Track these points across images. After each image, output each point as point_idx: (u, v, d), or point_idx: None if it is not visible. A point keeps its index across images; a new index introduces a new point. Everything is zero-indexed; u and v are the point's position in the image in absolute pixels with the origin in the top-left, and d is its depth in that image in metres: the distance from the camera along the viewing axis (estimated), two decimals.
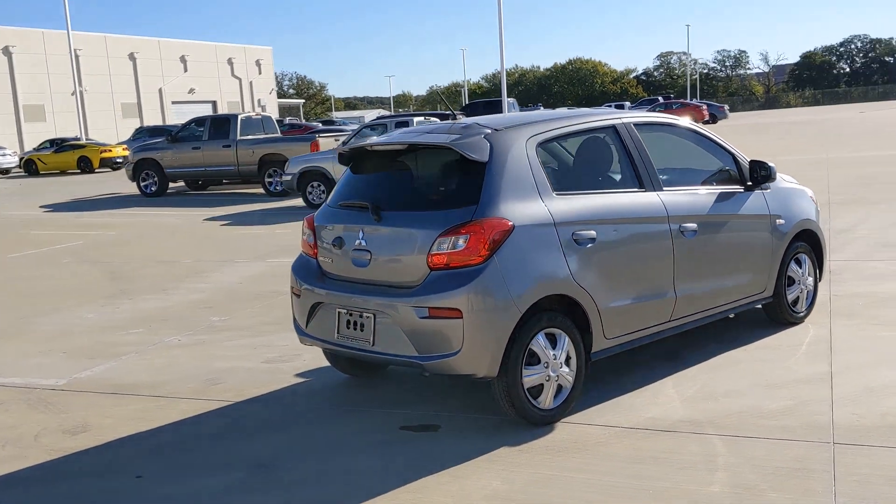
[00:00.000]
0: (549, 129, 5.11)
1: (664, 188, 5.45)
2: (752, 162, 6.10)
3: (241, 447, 4.88)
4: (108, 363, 6.76)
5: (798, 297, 6.48)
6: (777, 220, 6.14)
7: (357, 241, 5.00)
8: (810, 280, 6.58)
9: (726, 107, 58.68)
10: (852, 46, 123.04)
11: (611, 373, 5.59)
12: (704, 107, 51.93)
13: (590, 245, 4.89)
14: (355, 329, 4.96)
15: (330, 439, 4.90)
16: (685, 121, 6.10)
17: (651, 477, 4.07)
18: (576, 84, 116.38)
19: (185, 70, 62.17)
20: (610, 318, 5.00)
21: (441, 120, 18.81)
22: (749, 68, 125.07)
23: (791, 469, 4.04)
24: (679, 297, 5.41)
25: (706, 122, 50.02)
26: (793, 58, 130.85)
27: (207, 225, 16.02)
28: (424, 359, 4.60)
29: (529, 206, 4.75)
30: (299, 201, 18.44)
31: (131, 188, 23.66)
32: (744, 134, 37.90)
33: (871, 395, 4.92)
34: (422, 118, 18.65)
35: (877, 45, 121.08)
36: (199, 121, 23.00)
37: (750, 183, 6.06)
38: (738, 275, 5.87)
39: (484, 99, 42.54)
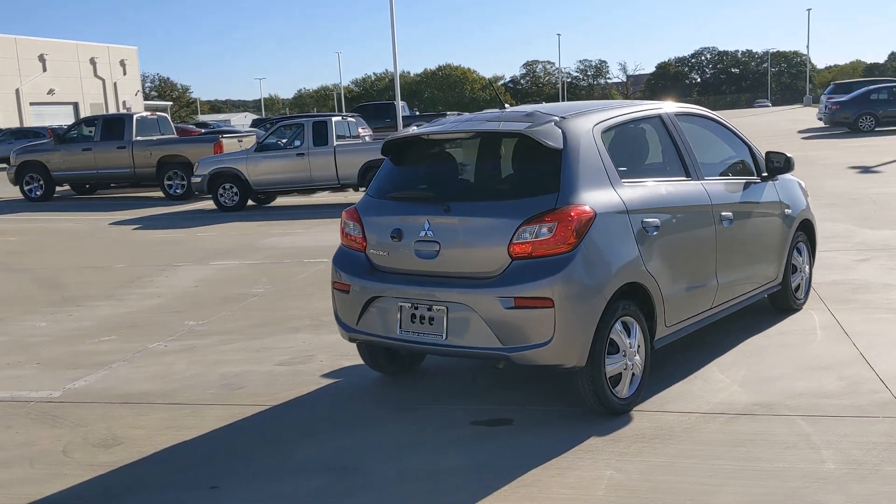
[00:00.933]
0: (610, 118, 5.10)
1: (704, 177, 5.55)
2: (767, 153, 6.30)
3: (309, 451, 4.61)
4: (97, 373, 6.25)
5: (799, 285, 6.74)
6: (786, 210, 6.37)
7: (422, 233, 4.82)
8: (807, 268, 6.86)
9: None
10: (702, 58, 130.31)
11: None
12: None
13: (655, 233, 4.91)
14: (423, 323, 4.77)
15: (399, 440, 4.69)
16: (712, 113, 6.24)
17: (760, 458, 4.12)
18: (446, 90, 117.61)
19: (45, 70, 58.59)
20: (670, 305, 5.04)
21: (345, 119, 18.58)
22: (609, 77, 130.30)
23: (888, 443, 4.18)
24: (720, 285, 5.52)
25: None
26: (649, 68, 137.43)
27: (117, 230, 15.15)
28: (511, 350, 4.49)
29: (605, 193, 4.72)
30: (204, 204, 17.78)
31: (11, 192, 22.07)
32: None
33: None
34: (339, 118, 18.32)
35: (724, 57, 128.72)
36: (88, 120, 21.73)
37: (766, 174, 6.26)
38: (761, 263, 6.05)
39: (372, 102, 42.24)
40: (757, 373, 5.37)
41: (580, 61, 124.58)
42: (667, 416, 4.74)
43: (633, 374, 4.83)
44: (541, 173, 4.72)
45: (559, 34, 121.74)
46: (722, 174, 5.98)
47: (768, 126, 41.36)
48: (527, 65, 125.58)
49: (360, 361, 6.02)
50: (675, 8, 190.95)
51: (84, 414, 5.38)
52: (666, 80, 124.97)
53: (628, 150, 5.26)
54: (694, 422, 4.63)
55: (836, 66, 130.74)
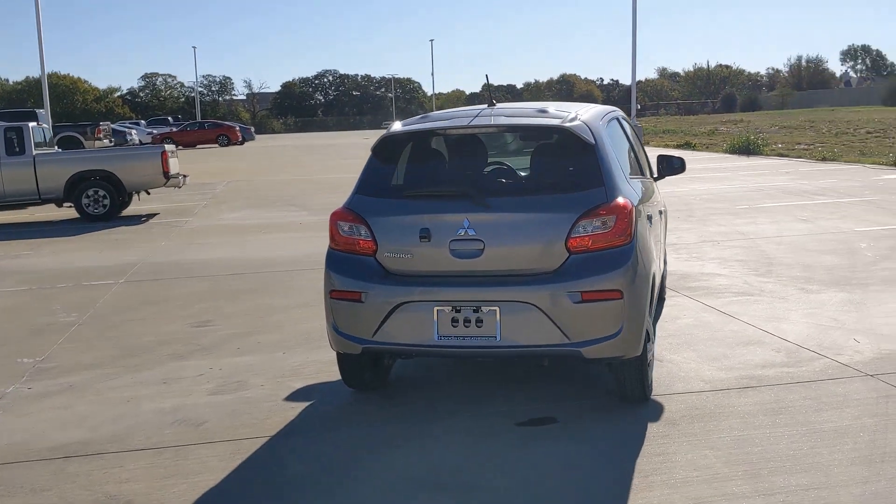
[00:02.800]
0: (603, 117, 5.29)
1: (643, 175, 5.97)
2: (659, 156, 6.92)
3: (382, 471, 4.16)
4: None
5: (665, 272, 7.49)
6: (664, 206, 7.05)
7: (460, 231, 4.59)
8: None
9: (252, 129, 60.05)
10: (325, 80, 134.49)
11: None
12: (238, 128, 52.47)
13: (649, 224, 5.21)
14: (468, 326, 4.55)
15: (466, 451, 4.41)
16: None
17: (810, 421, 4.57)
18: (53, 100, 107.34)
19: None
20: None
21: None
22: (235, 94, 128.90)
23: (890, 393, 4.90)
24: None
25: (240, 142, 50.62)
26: (275, 86, 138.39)
27: None
28: (579, 345, 4.46)
29: (627, 187, 4.90)
30: None
31: None
32: (302, 152, 39.40)
33: (853, 334, 6.03)
34: (35, 123, 16.05)
35: (346, 80, 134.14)
36: None
37: (656, 175, 6.86)
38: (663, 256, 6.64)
39: (9, 110, 37.14)
40: (704, 353, 5.88)
41: (204, 76, 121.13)
42: (684, 397, 5.03)
43: (651, 361, 5.06)
44: (577, 167, 4.76)
45: (195, 47, 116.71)
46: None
47: None
48: (146, 77, 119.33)
49: (307, 381, 5.59)
50: (299, 28, 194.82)
51: (30, 478, 4.27)
52: (291, 99, 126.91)
53: (616, 147, 5.49)
54: (714, 399, 4.97)
55: (441, 93, 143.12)
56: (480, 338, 4.54)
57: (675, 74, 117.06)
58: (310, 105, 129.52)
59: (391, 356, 5.08)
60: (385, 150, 5.03)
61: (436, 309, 4.59)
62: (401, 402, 5.17)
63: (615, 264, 4.49)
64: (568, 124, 4.76)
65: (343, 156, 37.10)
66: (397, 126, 5.15)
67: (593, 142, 4.76)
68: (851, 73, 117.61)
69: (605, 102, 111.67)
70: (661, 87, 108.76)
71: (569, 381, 5.42)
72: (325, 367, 5.88)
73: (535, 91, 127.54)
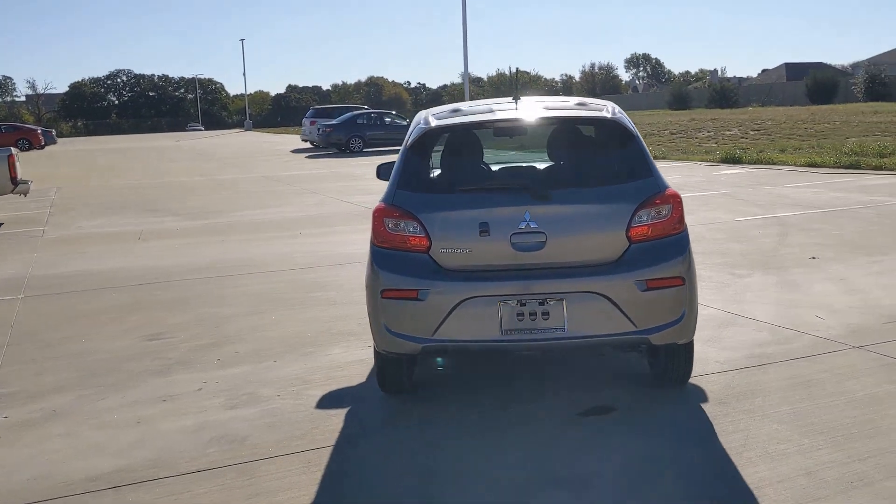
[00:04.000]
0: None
1: None
2: None
3: (487, 470, 4.05)
4: None
5: None
6: None
7: (522, 225, 4.54)
8: None
9: (54, 132, 55.61)
10: (119, 80, 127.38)
11: None
12: (39, 131, 48.36)
13: None
14: (534, 319, 4.52)
15: (550, 442, 4.37)
16: None
17: (844, 391, 4.90)
18: None
19: None
20: None
21: None
22: (17, 95, 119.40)
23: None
24: None
25: (42, 147, 46.76)
26: (62, 87, 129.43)
27: None
28: (647, 332, 4.54)
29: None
30: None
31: None
32: (119, 156, 36.98)
33: (812, 311, 6.49)
34: None
35: (141, 81, 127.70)
36: None
37: None
38: None
39: None
40: (696, 336, 6.13)
41: None
42: (712, 378, 5.22)
43: None
44: (624, 158, 4.83)
45: None
46: None
47: (253, 147, 43.08)
48: None
49: (324, 388, 5.36)
50: (89, 26, 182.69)
51: None
52: (81, 100, 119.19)
53: None
54: (742, 378, 5.21)
55: (242, 95, 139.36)
56: (548, 330, 4.52)
57: (479, 79, 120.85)
58: (102, 107, 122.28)
59: (446, 355, 4.92)
60: (426, 145, 4.89)
61: (500, 303, 4.52)
62: (445, 402, 5.04)
63: (676, 252, 4.62)
64: (614, 116, 4.84)
65: (168, 158, 35.37)
66: (434, 120, 5.01)
67: (636, 134, 4.87)
68: (637, 80, 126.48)
69: (411, 106, 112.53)
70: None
71: (595, 371, 5.50)
72: (331, 373, 5.64)
73: (343, 92, 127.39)
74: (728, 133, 30.85)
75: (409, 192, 4.78)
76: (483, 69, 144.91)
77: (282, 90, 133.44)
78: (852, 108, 44.25)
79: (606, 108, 4.97)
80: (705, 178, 17.98)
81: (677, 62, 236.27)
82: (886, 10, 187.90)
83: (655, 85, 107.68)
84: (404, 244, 4.68)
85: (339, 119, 33.29)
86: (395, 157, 5.25)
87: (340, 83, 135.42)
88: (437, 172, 5.03)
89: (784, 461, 4.03)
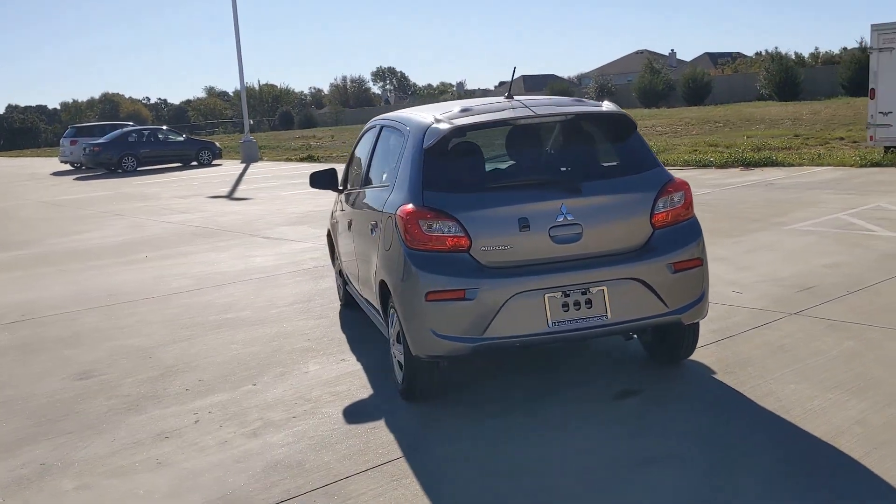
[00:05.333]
0: None
1: None
2: None
3: (576, 456, 4.10)
4: None
5: None
6: None
7: (560, 218, 4.65)
8: None
9: None
10: None
11: None
12: None
13: None
14: (578, 309, 4.64)
15: (620, 425, 4.51)
16: None
17: (823, 349, 5.46)
18: None
19: None
20: None
21: None
22: None
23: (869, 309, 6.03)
24: None
25: None
26: None
27: None
28: (679, 311, 4.81)
29: None
30: None
31: None
32: None
33: (728, 288, 7.06)
34: None
35: None
36: None
37: None
38: None
39: None
40: None
41: None
42: (703, 350, 5.61)
43: None
44: (630, 150, 5.07)
45: None
46: None
47: (11, 173, 38.86)
48: None
49: (339, 404, 5.19)
50: None
51: None
52: None
53: None
54: (730, 347, 5.62)
55: None
56: (592, 318, 4.66)
57: (225, 93, 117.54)
58: None
59: (495, 353, 4.87)
60: (446, 146, 4.84)
61: (546, 296, 4.59)
62: (475, 402, 5.01)
63: (693, 235, 4.93)
64: (622, 111, 5.08)
65: None
66: (449, 120, 4.95)
67: (636, 127, 5.14)
68: (386, 93, 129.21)
69: (154, 122, 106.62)
70: (215, 106, 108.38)
71: (591, 359, 5.70)
72: (329, 389, 5.43)
73: (74, 110, 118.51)
74: None
75: (438, 193, 4.72)
76: (230, 84, 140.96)
77: (1, 111, 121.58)
78: None
79: (607, 105, 5.19)
80: None
81: (421, 75, 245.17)
82: (610, 24, 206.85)
83: (406, 97, 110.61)
84: (442, 245, 4.62)
85: (108, 137, 31.01)
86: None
87: (71, 101, 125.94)
88: (459, 171, 4.99)
89: (830, 414, 4.45)
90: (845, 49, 67.84)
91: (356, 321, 7.02)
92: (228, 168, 29.81)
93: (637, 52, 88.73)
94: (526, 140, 5.24)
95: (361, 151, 6.53)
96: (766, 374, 5.11)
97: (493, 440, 4.46)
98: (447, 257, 4.61)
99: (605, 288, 4.66)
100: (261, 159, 32.62)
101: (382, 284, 5.14)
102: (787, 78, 49.74)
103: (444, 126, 4.88)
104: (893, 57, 15.56)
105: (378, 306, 5.43)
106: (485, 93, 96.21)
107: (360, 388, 5.40)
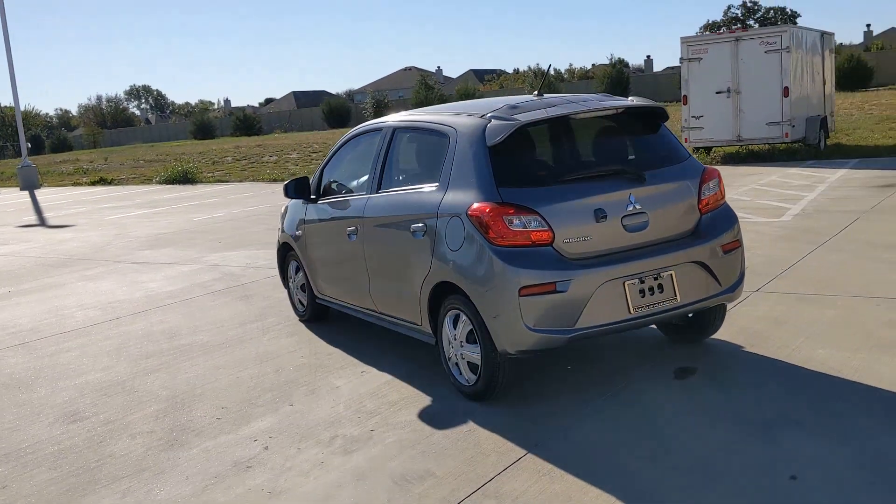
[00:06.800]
0: None
1: None
2: None
3: (700, 433, 4.29)
4: None
5: None
6: None
7: (629, 207, 4.83)
8: None
9: None
10: None
11: None
12: None
13: None
14: (653, 294, 4.84)
15: (701, 396, 4.74)
16: None
17: (815, 319, 6.03)
18: None
19: None
20: None
21: None
22: None
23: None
24: None
25: None
26: None
27: None
28: (730, 290, 5.14)
29: None
30: None
31: None
32: None
33: None
34: None
35: None
36: None
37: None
38: None
39: None
40: None
41: None
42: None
43: None
44: (667, 141, 5.33)
45: None
46: None
47: None
48: None
49: (407, 413, 5.06)
50: None
51: None
52: None
53: None
54: (736, 321, 6.04)
55: None
56: (665, 302, 4.87)
57: None
58: None
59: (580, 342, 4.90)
60: (512, 142, 4.85)
61: (626, 283, 4.75)
62: (550, 392, 5.05)
63: (732, 219, 5.29)
64: (660, 105, 5.35)
65: None
66: (509, 118, 4.94)
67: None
68: (144, 112, 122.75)
69: None
70: None
71: (622, 346, 5.91)
72: (382, 399, 5.26)
73: None
74: (290, 157, 32.07)
75: (512, 189, 4.73)
76: None
77: None
78: None
79: (638, 99, 5.42)
80: None
81: (179, 93, 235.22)
82: (378, 41, 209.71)
83: (166, 117, 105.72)
84: (526, 239, 4.64)
85: None
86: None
87: None
88: (529, 166, 5.02)
89: (876, 369, 4.96)
90: (594, 64, 73.93)
91: (335, 334, 6.78)
92: (8, 196, 27.07)
93: (405, 69, 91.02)
94: (581, 134, 5.34)
95: (356, 157, 6.33)
96: (788, 345, 5.56)
97: (606, 425, 4.52)
98: (533, 251, 4.63)
99: (673, 272, 4.89)
100: (41, 185, 29.90)
101: (438, 287, 5.05)
102: (550, 91, 53.43)
103: (507, 123, 4.88)
104: (702, 66, 17.24)
105: (420, 312, 5.30)
106: (255, 109, 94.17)
107: (409, 396, 5.25)
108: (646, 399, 4.86)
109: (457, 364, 5.12)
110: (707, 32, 65.27)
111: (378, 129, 6.08)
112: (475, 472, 4.09)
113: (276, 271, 7.79)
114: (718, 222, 5.20)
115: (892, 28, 77.50)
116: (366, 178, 6.03)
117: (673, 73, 50.35)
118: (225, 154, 37.15)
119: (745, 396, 4.78)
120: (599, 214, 4.74)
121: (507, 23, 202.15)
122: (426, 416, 4.90)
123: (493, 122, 4.95)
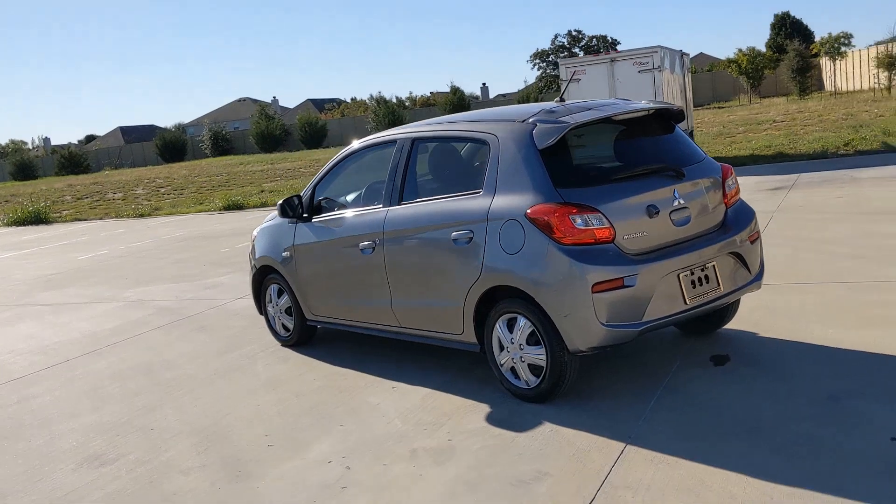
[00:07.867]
0: None
1: None
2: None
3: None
4: None
5: None
6: None
7: (675, 202, 5.02)
8: None
9: None
10: None
11: None
12: None
13: None
14: (702, 285, 5.05)
15: (746, 381, 4.95)
16: None
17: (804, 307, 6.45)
18: None
19: None
20: None
21: None
22: None
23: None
24: None
25: None
26: None
27: None
28: (757, 278, 5.43)
29: None
30: None
31: None
32: None
33: None
34: None
35: None
36: None
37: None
38: None
39: None
40: None
41: None
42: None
43: None
44: (682, 141, 5.57)
45: None
46: None
47: None
48: None
49: (479, 416, 5.02)
50: None
51: None
52: None
53: None
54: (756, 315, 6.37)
55: None
56: (712, 292, 5.08)
57: None
58: None
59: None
60: (563, 144, 4.94)
61: (680, 275, 4.92)
62: (611, 383, 5.11)
63: (751, 212, 5.58)
64: (679, 106, 5.58)
65: None
66: (556, 121, 5.00)
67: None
68: None
69: None
70: None
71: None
72: (429, 412, 5.14)
73: None
74: (137, 192, 30.83)
75: (571, 189, 4.80)
76: None
77: None
78: (217, 162, 47.94)
79: (657, 102, 5.64)
80: (251, 223, 18.21)
81: None
82: (207, 74, 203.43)
83: None
84: (591, 237, 4.72)
85: None
86: None
87: None
88: (581, 167, 5.10)
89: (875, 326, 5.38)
90: (433, 92, 75.41)
91: (332, 355, 6.60)
92: None
93: (239, 100, 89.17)
94: (620, 134, 5.46)
95: (362, 172, 6.19)
96: (797, 328, 5.91)
97: (678, 413, 4.64)
98: (597, 249, 4.71)
99: (715, 263, 5.11)
100: None
101: (490, 291, 5.04)
102: (394, 118, 54.44)
103: (557, 125, 4.95)
104: (581, 87, 18.01)
105: (462, 321, 5.24)
106: (78, 146, 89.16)
107: (461, 405, 5.17)
108: (698, 386, 5.02)
109: (512, 368, 5.09)
110: (537, 60, 68.46)
111: (391, 142, 5.96)
112: (588, 468, 4.09)
113: (219, 301, 7.50)
114: (741, 215, 5.49)
115: (701, 53, 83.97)
116: (380, 191, 5.91)
117: (505, 100, 52.22)
118: (61, 193, 35.08)
119: (794, 376, 5.04)
120: (652, 210, 4.89)
121: (342, 53, 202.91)
122: (496, 421, 4.85)
123: (540, 125, 5.01)
